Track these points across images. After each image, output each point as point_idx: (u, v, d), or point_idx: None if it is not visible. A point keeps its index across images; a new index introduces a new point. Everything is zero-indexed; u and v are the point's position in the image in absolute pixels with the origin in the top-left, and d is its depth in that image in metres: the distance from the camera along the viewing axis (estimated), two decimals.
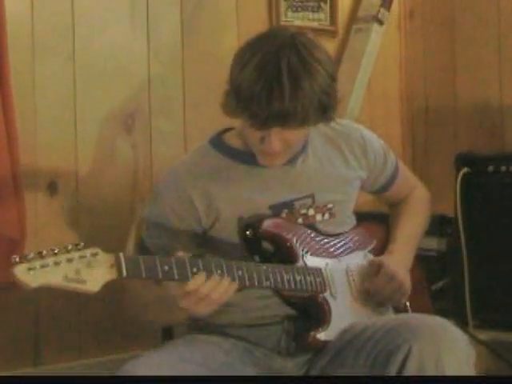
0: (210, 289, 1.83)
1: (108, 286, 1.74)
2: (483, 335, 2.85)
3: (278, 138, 1.97)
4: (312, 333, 2.02)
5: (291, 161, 2.12)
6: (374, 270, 2.14)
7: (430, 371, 1.85)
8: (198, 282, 1.82)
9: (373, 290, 2.13)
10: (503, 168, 2.93)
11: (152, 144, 3.05)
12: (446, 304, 2.89)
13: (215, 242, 2.08)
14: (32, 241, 2.72)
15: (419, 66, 3.66)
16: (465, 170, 2.95)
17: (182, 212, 2.05)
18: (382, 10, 3.49)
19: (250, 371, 2.01)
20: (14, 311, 2.77)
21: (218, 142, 2.14)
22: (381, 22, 3.50)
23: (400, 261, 2.19)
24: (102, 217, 2.92)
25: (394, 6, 3.59)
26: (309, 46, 1.98)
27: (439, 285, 2.97)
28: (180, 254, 1.85)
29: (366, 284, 2.14)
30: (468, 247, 2.91)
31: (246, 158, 2.09)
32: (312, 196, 2.13)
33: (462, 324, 2.88)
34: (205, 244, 2.08)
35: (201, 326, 2.13)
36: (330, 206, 2.15)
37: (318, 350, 2.04)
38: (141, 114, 3.03)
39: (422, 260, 2.32)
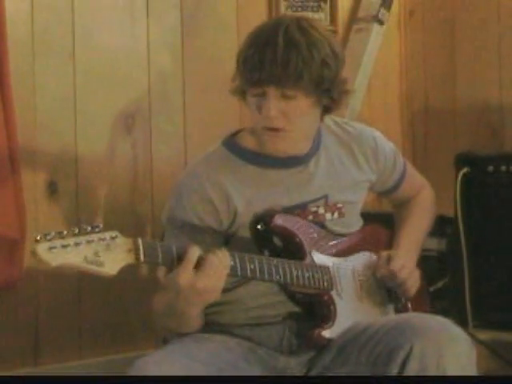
0: (209, 259, 1.82)
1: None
2: (483, 335, 2.85)
3: (274, 104, 1.98)
4: (317, 330, 2.03)
5: (304, 162, 2.13)
6: (384, 261, 2.15)
7: (432, 370, 1.85)
8: (195, 252, 1.81)
9: (386, 278, 2.14)
10: (503, 168, 2.93)
11: (152, 144, 3.05)
12: (446, 304, 2.89)
13: (232, 242, 2.08)
14: (32, 241, 2.72)
15: (419, 66, 3.66)
16: (465, 170, 2.95)
17: (203, 213, 2.05)
18: (382, 9, 3.49)
19: (254, 370, 2.01)
20: (13, 311, 2.77)
21: (231, 144, 2.14)
22: (381, 22, 3.50)
23: (407, 256, 2.20)
24: (102, 217, 2.92)
25: (394, 5, 3.59)
26: (312, 22, 2.04)
27: (439, 285, 2.97)
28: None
29: (378, 273, 2.15)
30: (468, 247, 2.91)
31: (260, 159, 2.10)
32: (326, 197, 2.15)
33: (462, 324, 2.88)
34: (223, 244, 2.07)
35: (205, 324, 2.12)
36: (339, 205, 2.17)
37: (320, 348, 2.05)
38: (141, 114, 3.03)
39: (422, 260, 2.32)
